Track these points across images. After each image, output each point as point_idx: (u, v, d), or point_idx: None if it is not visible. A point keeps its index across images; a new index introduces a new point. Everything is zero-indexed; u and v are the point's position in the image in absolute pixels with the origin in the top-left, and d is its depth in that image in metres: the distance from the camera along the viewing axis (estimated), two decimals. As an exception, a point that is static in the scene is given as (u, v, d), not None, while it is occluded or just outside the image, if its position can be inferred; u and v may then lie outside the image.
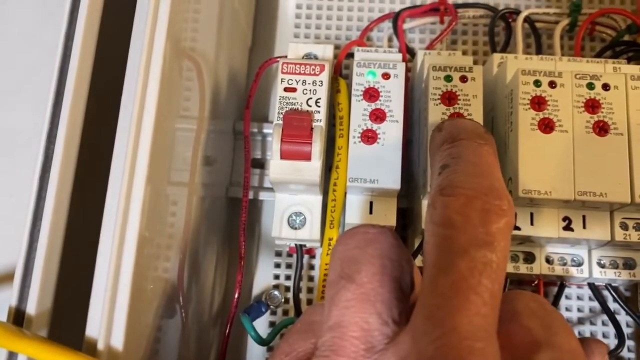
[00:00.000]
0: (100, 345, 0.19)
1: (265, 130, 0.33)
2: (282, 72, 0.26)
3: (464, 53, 0.35)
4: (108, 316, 0.19)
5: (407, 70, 0.33)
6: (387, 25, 0.35)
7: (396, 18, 0.33)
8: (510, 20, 0.34)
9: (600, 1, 0.36)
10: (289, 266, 0.33)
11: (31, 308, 0.20)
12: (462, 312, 0.14)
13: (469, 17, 0.34)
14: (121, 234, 0.20)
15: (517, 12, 0.33)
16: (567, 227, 0.26)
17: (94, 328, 0.19)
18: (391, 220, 0.27)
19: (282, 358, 0.18)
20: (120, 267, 0.20)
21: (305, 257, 0.33)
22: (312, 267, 0.33)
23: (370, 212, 0.27)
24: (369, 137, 0.25)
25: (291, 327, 0.19)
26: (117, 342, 0.19)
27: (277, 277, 0.33)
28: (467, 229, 0.16)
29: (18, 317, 0.20)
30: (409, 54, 0.33)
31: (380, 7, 0.36)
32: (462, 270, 0.15)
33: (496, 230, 0.16)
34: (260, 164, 0.34)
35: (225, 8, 0.31)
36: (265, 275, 0.33)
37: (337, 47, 0.36)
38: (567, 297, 0.32)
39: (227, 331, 0.29)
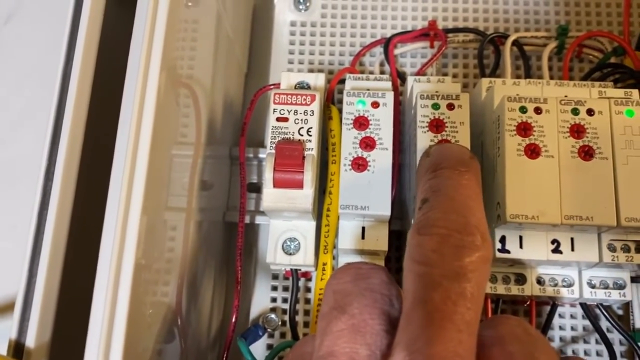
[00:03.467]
0: (98, 377, 0.19)
1: (261, 155, 0.33)
2: (274, 103, 0.27)
3: (455, 76, 0.36)
4: (105, 347, 0.20)
5: (400, 94, 0.34)
6: (379, 50, 0.36)
7: (387, 44, 0.34)
8: (499, 44, 0.34)
9: (587, 23, 0.36)
10: (286, 289, 0.33)
11: (30, 341, 0.20)
12: (437, 340, 0.15)
13: (459, 42, 0.35)
14: (117, 266, 0.21)
15: (505, 36, 0.34)
16: (556, 250, 0.27)
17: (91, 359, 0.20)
18: (383, 245, 0.27)
19: None
20: (117, 299, 0.21)
21: (302, 280, 0.33)
22: (308, 290, 0.33)
23: (363, 237, 0.27)
24: (359, 164, 0.26)
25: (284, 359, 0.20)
26: (114, 372, 0.20)
27: (274, 300, 0.34)
28: (441, 265, 0.17)
29: (18, 350, 0.20)
30: (400, 78, 0.33)
31: (372, 33, 0.37)
32: (436, 302, 0.16)
33: (469, 264, 0.17)
34: (257, 188, 0.34)
35: (221, 37, 0.32)
36: (262, 299, 0.34)
37: (330, 73, 0.37)
38: (560, 316, 0.33)
39: (224, 356, 0.29)
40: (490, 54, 0.35)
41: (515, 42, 0.34)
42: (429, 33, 0.35)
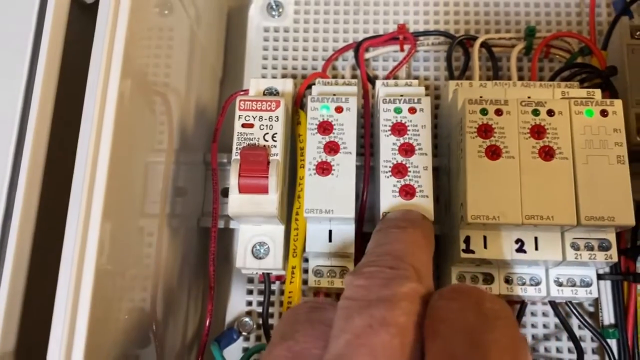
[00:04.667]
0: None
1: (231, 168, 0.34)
2: (240, 109, 0.27)
3: (427, 79, 0.37)
4: (66, 352, 0.20)
5: (372, 97, 0.34)
6: (351, 54, 0.36)
7: (357, 48, 0.35)
8: (468, 46, 0.35)
9: (557, 23, 0.37)
10: (261, 292, 0.34)
11: (-6, 349, 0.21)
12: None
13: (429, 45, 0.36)
14: (78, 272, 0.21)
15: (474, 38, 0.34)
16: (520, 249, 0.27)
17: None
18: (350, 247, 0.28)
19: None
20: (78, 304, 0.21)
21: (277, 283, 0.34)
22: (282, 293, 0.33)
23: (330, 240, 0.28)
24: (323, 169, 0.26)
25: None
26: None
27: (249, 303, 0.34)
28: (367, 295, 0.17)
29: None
30: (370, 82, 0.34)
31: (344, 37, 0.37)
32: (355, 329, 0.16)
33: (398, 293, 0.16)
34: (231, 194, 0.35)
35: (195, 44, 0.33)
36: (238, 302, 0.34)
37: (304, 77, 0.37)
38: (532, 314, 0.33)
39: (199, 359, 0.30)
40: (461, 56, 0.36)
41: (484, 44, 0.34)
42: (399, 37, 0.35)
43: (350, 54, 0.37)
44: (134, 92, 0.25)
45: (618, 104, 0.27)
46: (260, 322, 0.33)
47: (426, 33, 0.35)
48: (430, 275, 0.19)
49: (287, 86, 0.30)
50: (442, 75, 0.36)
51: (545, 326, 0.33)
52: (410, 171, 0.26)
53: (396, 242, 0.20)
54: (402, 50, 0.36)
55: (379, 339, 0.15)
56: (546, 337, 0.33)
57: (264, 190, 0.26)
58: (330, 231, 0.28)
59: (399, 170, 0.26)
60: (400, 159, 0.26)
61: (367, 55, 0.36)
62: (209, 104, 0.36)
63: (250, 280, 0.34)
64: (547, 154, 0.26)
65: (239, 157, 0.26)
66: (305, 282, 0.30)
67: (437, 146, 0.34)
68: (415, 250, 0.20)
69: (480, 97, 0.27)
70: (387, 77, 0.34)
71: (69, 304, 0.21)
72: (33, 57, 0.24)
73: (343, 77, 0.36)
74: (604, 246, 0.27)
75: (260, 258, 0.29)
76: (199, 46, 0.34)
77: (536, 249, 0.27)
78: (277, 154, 0.27)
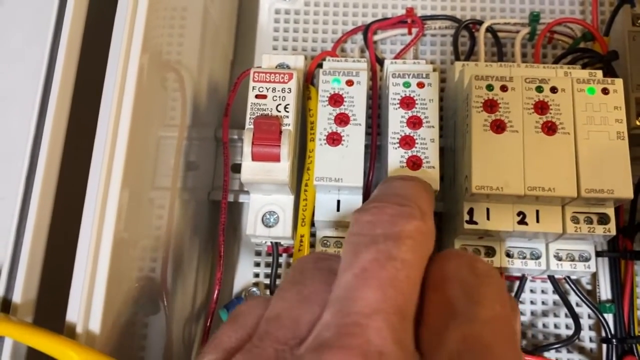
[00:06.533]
0: (79, 329, 0.21)
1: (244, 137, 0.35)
2: (253, 81, 0.28)
3: (432, 62, 0.37)
4: (86, 304, 0.21)
5: (380, 79, 0.35)
6: (360, 37, 0.37)
7: (366, 30, 0.36)
8: (474, 30, 0.36)
9: (561, 12, 0.38)
10: (268, 265, 0.35)
11: (17, 297, 0.21)
12: (359, 297, 0.16)
13: (436, 28, 0.37)
14: (98, 231, 0.22)
15: (480, 22, 0.35)
16: (522, 222, 0.28)
17: (73, 314, 0.21)
18: (357, 217, 0.29)
19: (211, 351, 0.18)
20: (98, 261, 0.22)
21: (284, 255, 0.34)
22: (289, 266, 0.34)
23: (338, 210, 0.29)
24: (334, 139, 0.27)
25: (222, 324, 0.20)
26: (95, 327, 0.21)
27: (257, 275, 0.35)
28: (373, 230, 0.17)
29: (5, 306, 0.21)
30: (378, 63, 0.35)
31: (353, 21, 0.38)
32: (363, 263, 0.16)
33: (404, 230, 0.17)
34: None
35: (208, 24, 0.34)
36: (245, 274, 0.35)
37: (312, 58, 0.38)
38: (531, 291, 0.34)
39: (207, 325, 0.31)
40: (467, 40, 0.36)
41: (489, 29, 0.35)
42: (407, 20, 0.36)
43: (358, 37, 0.38)
44: (151, 68, 0.26)
45: (619, 82, 0.28)
46: (268, 293, 0.34)
47: (433, 17, 0.36)
48: (432, 221, 0.20)
49: (298, 62, 0.31)
50: (448, 60, 0.37)
51: (544, 303, 0.34)
52: (417, 143, 0.27)
53: (401, 188, 0.21)
54: (409, 33, 0.37)
55: (386, 272, 0.16)
56: (544, 314, 0.34)
57: (276, 158, 0.27)
58: (338, 201, 0.29)
59: (406, 142, 0.27)
60: (408, 131, 0.27)
61: (375, 38, 0.37)
62: (220, 83, 0.37)
63: (258, 253, 0.35)
64: (549, 128, 0.27)
65: (252, 126, 0.27)
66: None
67: (442, 127, 0.35)
68: (421, 194, 0.20)
69: (486, 74, 0.28)
70: (395, 58, 0.35)
71: (89, 264, 0.21)
72: (57, 25, 0.25)
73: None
74: (603, 220, 0.28)
75: (270, 226, 0.29)
76: (212, 25, 0.35)
77: (537, 221, 0.28)
78: (289, 125, 0.28)
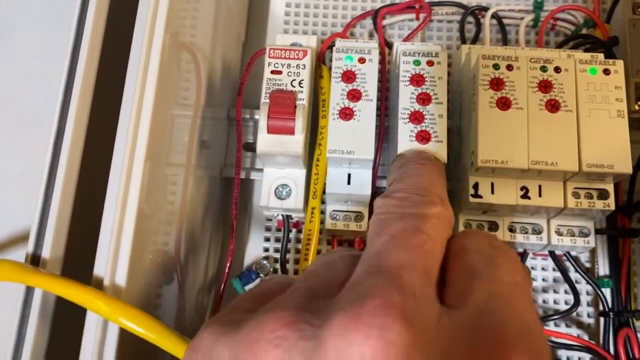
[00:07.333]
0: (106, 282, 0.22)
1: (256, 117, 0.36)
2: (269, 57, 0.29)
3: (439, 47, 0.39)
4: (113, 258, 0.22)
5: (388, 62, 0.36)
6: (369, 22, 0.38)
7: (375, 15, 0.37)
8: (479, 16, 0.37)
9: (564, 0, 0.39)
10: (277, 240, 0.36)
11: (46, 253, 0.23)
12: (390, 256, 0.17)
13: (443, 14, 0.38)
14: (124, 196, 0.23)
15: (485, 9, 0.37)
16: (525, 196, 0.29)
17: (100, 268, 0.22)
18: (367, 189, 0.30)
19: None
20: (124, 218, 0.23)
21: (293, 231, 0.36)
22: (298, 241, 0.35)
23: (349, 183, 0.30)
24: (346, 114, 0.28)
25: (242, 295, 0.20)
26: (121, 279, 0.22)
27: (267, 249, 0.36)
28: (400, 210, 0.19)
29: (34, 261, 0.23)
30: (387, 47, 0.36)
31: (362, 6, 0.39)
32: (393, 231, 0.18)
33: (427, 214, 0.19)
34: (252, 148, 0.37)
35: (220, 6, 0.35)
36: (256, 248, 0.36)
37: (322, 42, 0.39)
38: (533, 268, 0.35)
39: (220, 292, 0.32)
40: (473, 27, 0.38)
41: (494, 15, 0.36)
42: (415, 5, 0.37)
43: (367, 21, 0.39)
44: (171, 47, 0.27)
45: (620, 64, 0.29)
46: (278, 266, 0.35)
47: (441, 3, 0.37)
48: (451, 208, 0.21)
49: (311, 41, 0.32)
50: (454, 45, 0.39)
51: (544, 279, 0.35)
52: (426, 118, 0.28)
53: (419, 176, 0.23)
54: (417, 19, 0.38)
55: (414, 240, 0.18)
56: (544, 290, 0.35)
57: (290, 131, 0.28)
58: (349, 175, 0.30)
59: (416, 117, 0.28)
60: (417, 107, 0.28)
61: (384, 23, 0.38)
62: (232, 64, 0.38)
63: (268, 229, 0.36)
64: (553, 106, 0.28)
65: (268, 100, 0.28)
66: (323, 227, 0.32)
67: (448, 110, 0.36)
68: (438, 182, 0.23)
69: (492, 54, 0.29)
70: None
71: (116, 223, 0.23)
72: (80, 20, 0.26)
73: (361, 42, 0.38)
74: (602, 195, 0.29)
75: (282, 199, 0.31)
76: (225, 6, 0.36)
77: (540, 195, 0.29)
78: (303, 99, 0.29)
